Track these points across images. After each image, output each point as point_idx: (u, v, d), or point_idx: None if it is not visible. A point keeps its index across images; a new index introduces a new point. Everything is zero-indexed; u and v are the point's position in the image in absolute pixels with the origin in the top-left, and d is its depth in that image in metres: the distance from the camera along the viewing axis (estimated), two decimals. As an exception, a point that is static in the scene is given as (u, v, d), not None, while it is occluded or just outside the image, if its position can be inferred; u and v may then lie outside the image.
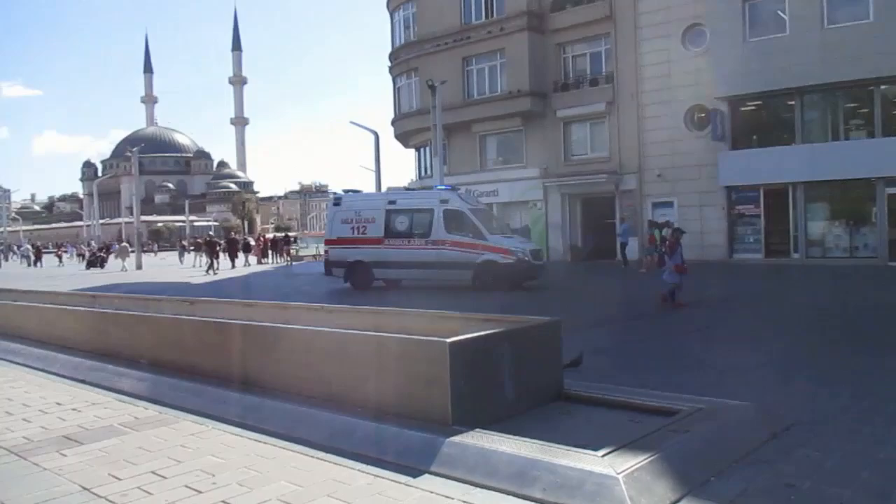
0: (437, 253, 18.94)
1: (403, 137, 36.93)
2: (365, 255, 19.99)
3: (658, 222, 26.37)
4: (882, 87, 24.11)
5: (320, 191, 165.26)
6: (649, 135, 28.77)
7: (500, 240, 19.07)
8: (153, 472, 4.79)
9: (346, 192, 22.19)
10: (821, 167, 24.38)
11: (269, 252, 41.39)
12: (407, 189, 21.99)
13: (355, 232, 20.29)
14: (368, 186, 33.75)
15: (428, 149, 33.36)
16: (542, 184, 30.98)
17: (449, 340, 5.27)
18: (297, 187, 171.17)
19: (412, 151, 38.22)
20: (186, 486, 4.51)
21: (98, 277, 31.67)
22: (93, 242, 59.85)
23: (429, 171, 33.35)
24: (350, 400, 5.72)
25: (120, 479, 4.68)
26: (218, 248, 34.07)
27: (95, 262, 41.37)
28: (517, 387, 5.85)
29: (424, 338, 5.60)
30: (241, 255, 38.20)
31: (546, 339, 6.30)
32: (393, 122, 37.13)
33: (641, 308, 15.22)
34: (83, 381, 7.79)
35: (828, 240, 25.35)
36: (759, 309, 14.59)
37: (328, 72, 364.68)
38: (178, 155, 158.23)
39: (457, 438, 4.88)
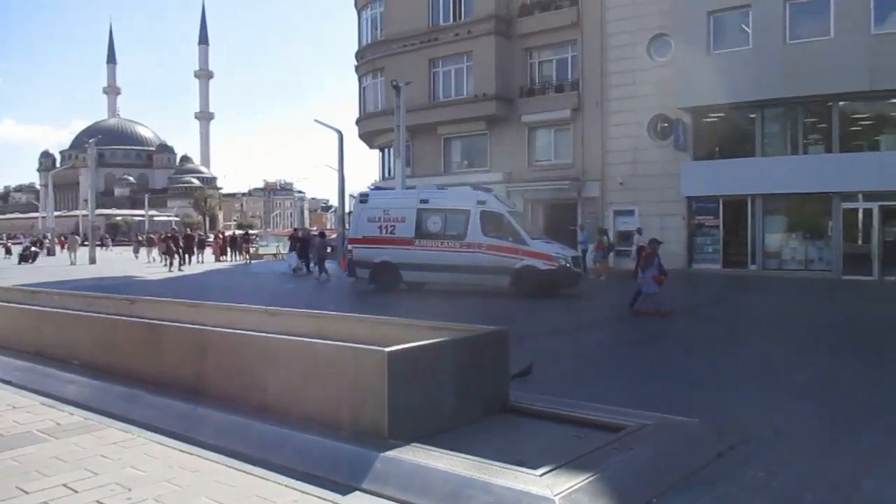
0: (472, 256, 18.16)
1: (368, 137, 36.59)
2: (392, 256, 19.15)
3: (603, 229, 26.53)
4: (840, 103, 24.47)
5: (285, 189, 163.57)
6: (613, 143, 28.87)
7: (541, 245, 18.39)
8: (65, 486, 4.48)
9: (373, 188, 21.13)
10: (779, 180, 24.65)
11: (228, 250, 40.70)
12: (439, 188, 21.21)
13: (383, 231, 19.41)
14: (333, 185, 33.30)
15: (392, 149, 33.05)
16: (506, 188, 30.82)
17: (387, 349, 5.06)
18: (261, 184, 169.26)
19: (377, 152, 37.88)
20: (98, 502, 4.22)
21: (45, 272, 30.72)
22: (23, 237, 58.11)
23: (392, 173, 33.03)
24: (285, 409, 5.47)
25: (27, 493, 4.37)
26: (178, 244, 33.11)
27: (28, 256, 39.74)
28: (460, 399, 5.65)
29: (361, 346, 5.37)
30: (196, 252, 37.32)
31: (492, 349, 6.11)
32: (358, 122, 36.77)
33: (606, 316, 15.17)
34: (8, 383, 7.39)
35: (784, 252, 25.67)
36: (718, 319, 14.62)
37: (296, 69, 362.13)
38: (140, 148, 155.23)
39: (391, 453, 4.66)
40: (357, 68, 36.69)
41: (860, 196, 24.00)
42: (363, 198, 20.48)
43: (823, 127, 25.27)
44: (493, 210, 18.55)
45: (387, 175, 35.64)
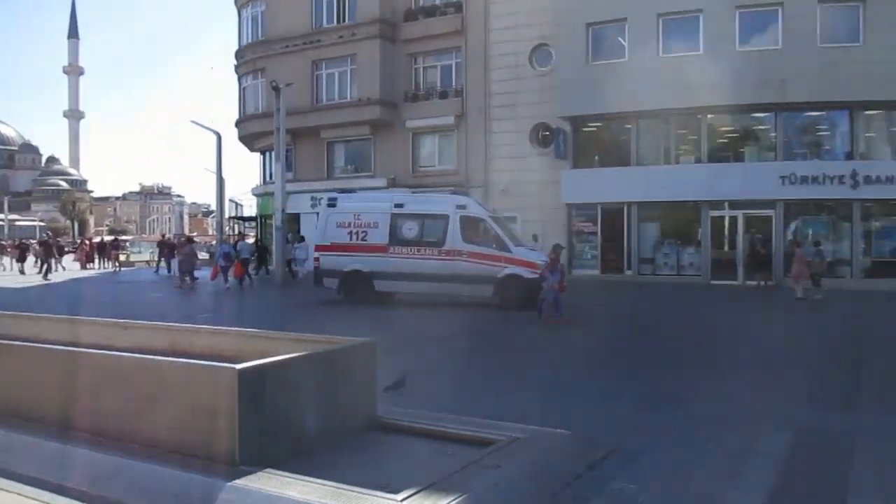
0: (452, 265, 17.06)
1: (248, 140, 35.39)
2: (364, 264, 17.85)
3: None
4: (709, 115, 25.70)
5: (163, 193, 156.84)
6: (496, 150, 29.14)
7: (525, 252, 17.49)
8: None
9: (341, 191, 19.60)
10: (653, 189, 25.60)
11: (96, 257, 38.15)
12: (413, 191, 19.67)
13: (354, 237, 18.06)
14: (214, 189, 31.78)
15: (273, 153, 32.11)
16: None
17: (238, 367, 4.61)
18: (137, 188, 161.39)
19: (258, 155, 36.70)
20: None
21: None
22: None
23: (273, 177, 32.07)
24: (126, 436, 4.91)
25: None
26: (51, 251, 30.35)
27: None
28: (323, 417, 5.27)
29: (209, 363, 4.90)
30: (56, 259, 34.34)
31: (359, 362, 5.75)
32: (237, 124, 35.51)
33: (488, 324, 15.08)
34: None
35: (658, 258, 26.65)
36: (597, 326, 14.78)
37: (175, 67, 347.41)
38: (1, 147, 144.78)
39: (240, 482, 4.23)
40: (237, 68, 35.43)
41: (726, 205, 25.28)
42: (331, 201, 19.05)
43: (693, 138, 26.47)
44: (474, 215, 17.64)
45: (268, 179, 34.60)
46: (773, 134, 25.43)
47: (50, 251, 29.93)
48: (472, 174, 29.37)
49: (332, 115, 31.51)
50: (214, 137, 32.64)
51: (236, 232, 38.68)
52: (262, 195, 35.34)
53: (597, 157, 27.79)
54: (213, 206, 49.28)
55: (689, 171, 25.71)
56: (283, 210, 24.40)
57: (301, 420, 5.09)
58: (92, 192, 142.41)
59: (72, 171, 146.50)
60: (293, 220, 33.25)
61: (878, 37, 23.10)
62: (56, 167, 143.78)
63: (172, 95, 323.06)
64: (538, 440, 5.30)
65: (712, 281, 24.66)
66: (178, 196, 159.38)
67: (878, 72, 22.49)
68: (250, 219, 40.26)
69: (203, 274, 25.79)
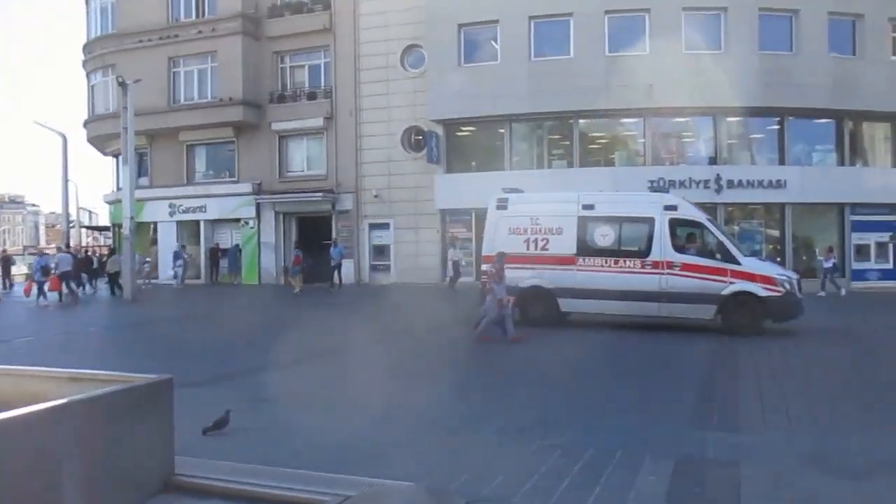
0: (661, 279, 14.07)
1: (99, 142, 32.59)
2: (546, 279, 14.84)
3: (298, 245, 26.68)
4: (581, 120, 25.68)
5: (15, 201, 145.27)
6: (367, 154, 28.05)
7: (757, 264, 14.49)
8: None
9: (510, 191, 16.30)
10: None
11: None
12: (601, 192, 16.60)
13: (531, 246, 15.06)
14: (76, 198, 28.75)
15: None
16: (255, 200, 28.87)
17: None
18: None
19: (111, 159, 33.86)
20: None
21: None
22: None
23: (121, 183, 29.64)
24: None
25: None
26: None
27: None
28: (93, 483, 3.95)
29: None
30: None
31: (149, 407, 4.46)
32: (86, 124, 32.63)
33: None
34: None
35: (534, 264, 26.35)
36: (457, 345, 13.83)
37: (22, 61, 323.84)
38: None
39: None
40: (84, 63, 32.59)
41: (598, 209, 25.27)
42: (502, 202, 15.80)
43: (566, 144, 26.39)
44: (688, 217, 14.65)
45: (120, 185, 31.94)
46: (642, 140, 25.72)
47: None
48: (343, 179, 28.17)
49: (191, 115, 29.48)
50: (61, 140, 29.94)
51: (64, 243, 35.26)
52: (114, 202, 32.62)
53: (473, 163, 27.20)
54: (70, 216, 45.37)
55: (562, 176, 25.52)
56: (131, 218, 22.25)
57: (57, 489, 3.78)
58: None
59: None
60: (152, 229, 31.07)
61: (737, 45, 23.80)
62: None
63: (20, 95, 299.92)
64: (379, 498, 4.22)
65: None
66: (33, 206, 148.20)
67: (738, 80, 23.11)
68: (104, 228, 37.27)
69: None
